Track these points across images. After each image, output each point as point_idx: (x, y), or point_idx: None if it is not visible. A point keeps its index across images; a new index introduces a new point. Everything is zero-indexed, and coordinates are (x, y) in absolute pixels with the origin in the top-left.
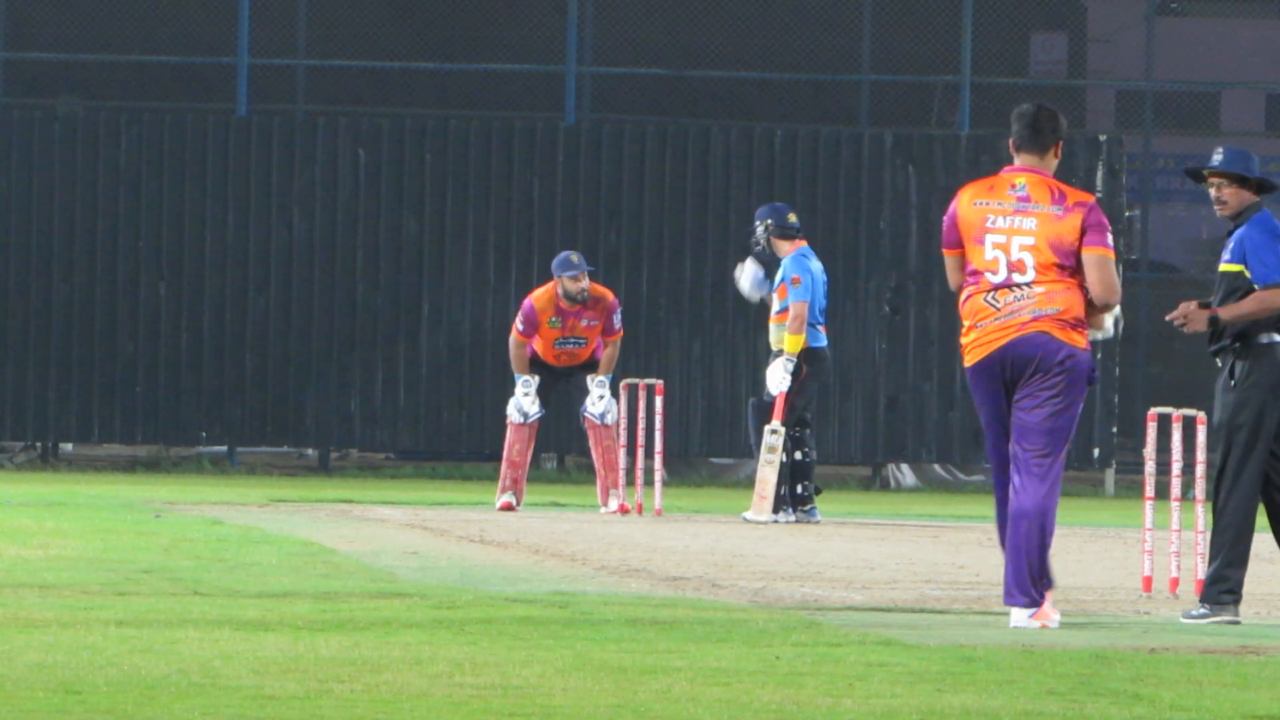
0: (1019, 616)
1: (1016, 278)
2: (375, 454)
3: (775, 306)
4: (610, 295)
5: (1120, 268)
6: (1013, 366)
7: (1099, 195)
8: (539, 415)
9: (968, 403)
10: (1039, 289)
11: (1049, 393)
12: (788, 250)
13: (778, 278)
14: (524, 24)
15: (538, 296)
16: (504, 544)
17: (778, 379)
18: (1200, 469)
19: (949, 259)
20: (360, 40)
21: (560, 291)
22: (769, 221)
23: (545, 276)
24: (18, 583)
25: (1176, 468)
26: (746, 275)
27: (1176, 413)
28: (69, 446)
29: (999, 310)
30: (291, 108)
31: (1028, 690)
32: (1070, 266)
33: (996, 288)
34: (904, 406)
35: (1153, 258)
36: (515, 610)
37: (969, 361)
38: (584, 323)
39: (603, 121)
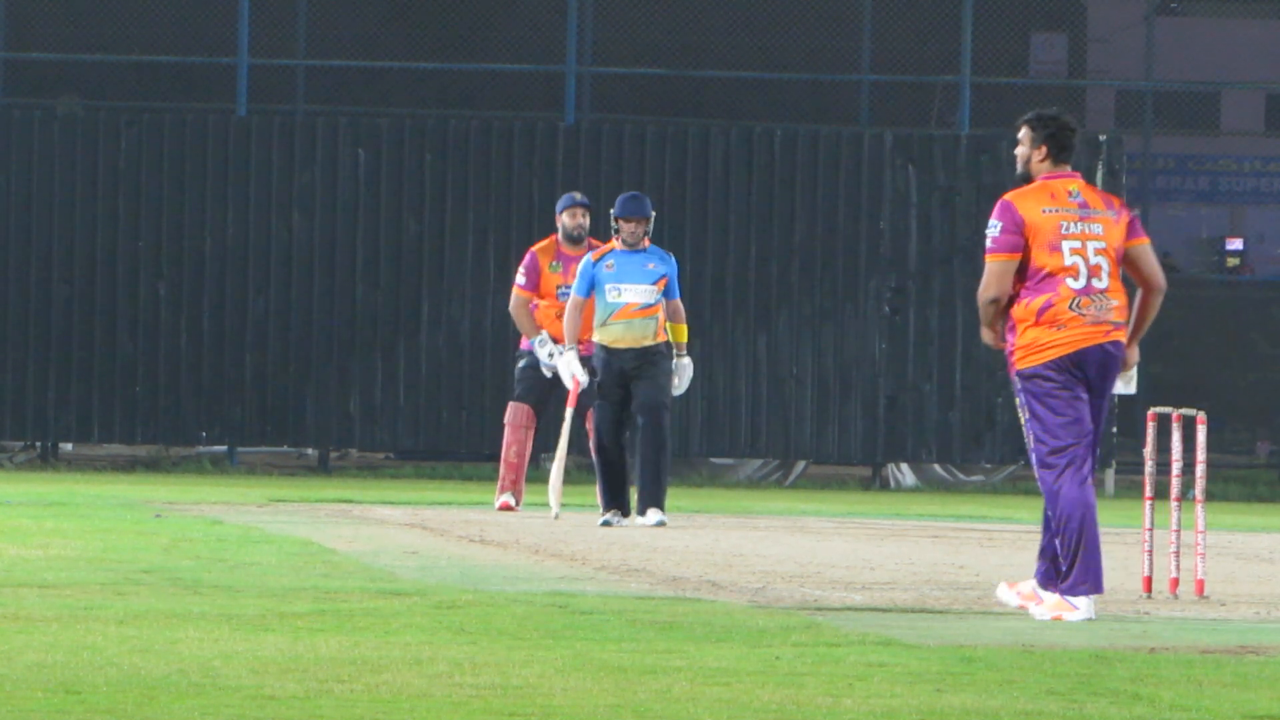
0: (1088, 608)
1: (1095, 283)
2: (375, 454)
3: (651, 299)
4: None
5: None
6: (1094, 367)
7: None
8: (569, 350)
9: (968, 402)
10: (1114, 300)
11: (1107, 395)
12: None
13: (657, 271)
14: (524, 24)
15: (538, 245)
16: (504, 544)
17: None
18: (1200, 469)
19: (1005, 264)
20: (360, 40)
21: (560, 235)
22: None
23: None
24: (18, 583)
25: (1176, 468)
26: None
27: (1176, 412)
28: (69, 446)
29: (1084, 317)
30: (291, 108)
31: (1028, 690)
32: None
33: (1079, 294)
34: (904, 406)
35: None
36: (515, 610)
37: (1045, 359)
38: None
39: (603, 121)
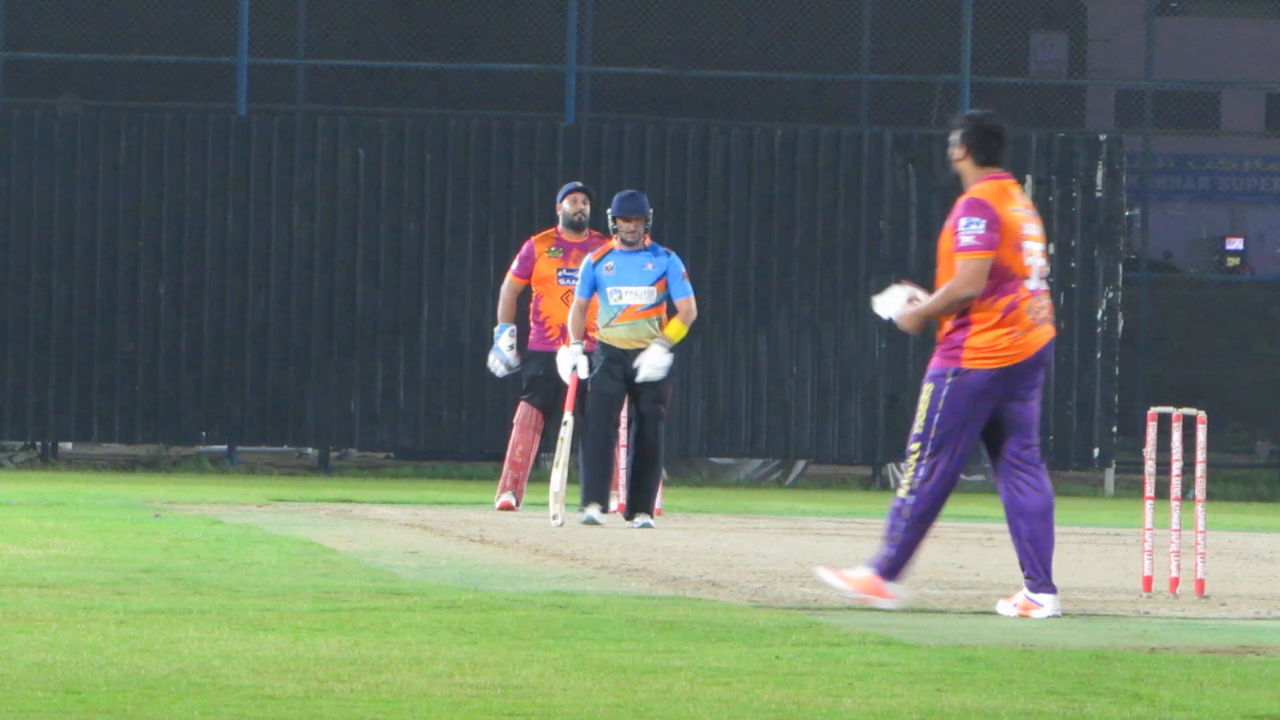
0: (1053, 605)
1: (1041, 285)
2: (375, 454)
3: (651, 299)
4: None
5: (1120, 267)
6: (1032, 368)
7: (1099, 195)
8: (518, 367)
9: None
10: (1047, 298)
11: (1040, 387)
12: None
13: (655, 270)
14: (524, 24)
15: (537, 234)
16: (504, 544)
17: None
18: (1200, 469)
19: (986, 261)
20: (360, 40)
21: (561, 222)
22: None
23: None
24: (18, 582)
25: (1176, 467)
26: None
27: (1176, 412)
28: (69, 446)
29: (1036, 320)
30: (291, 108)
31: (1028, 690)
32: None
33: (1033, 295)
34: (904, 406)
35: (1153, 257)
36: (515, 610)
37: (992, 365)
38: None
39: (603, 121)
